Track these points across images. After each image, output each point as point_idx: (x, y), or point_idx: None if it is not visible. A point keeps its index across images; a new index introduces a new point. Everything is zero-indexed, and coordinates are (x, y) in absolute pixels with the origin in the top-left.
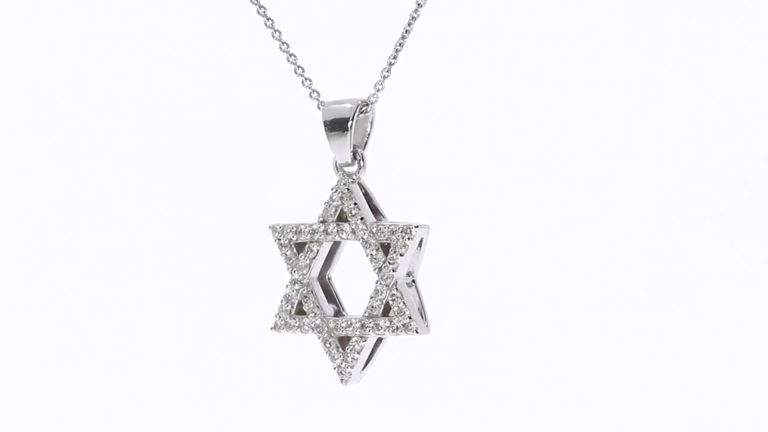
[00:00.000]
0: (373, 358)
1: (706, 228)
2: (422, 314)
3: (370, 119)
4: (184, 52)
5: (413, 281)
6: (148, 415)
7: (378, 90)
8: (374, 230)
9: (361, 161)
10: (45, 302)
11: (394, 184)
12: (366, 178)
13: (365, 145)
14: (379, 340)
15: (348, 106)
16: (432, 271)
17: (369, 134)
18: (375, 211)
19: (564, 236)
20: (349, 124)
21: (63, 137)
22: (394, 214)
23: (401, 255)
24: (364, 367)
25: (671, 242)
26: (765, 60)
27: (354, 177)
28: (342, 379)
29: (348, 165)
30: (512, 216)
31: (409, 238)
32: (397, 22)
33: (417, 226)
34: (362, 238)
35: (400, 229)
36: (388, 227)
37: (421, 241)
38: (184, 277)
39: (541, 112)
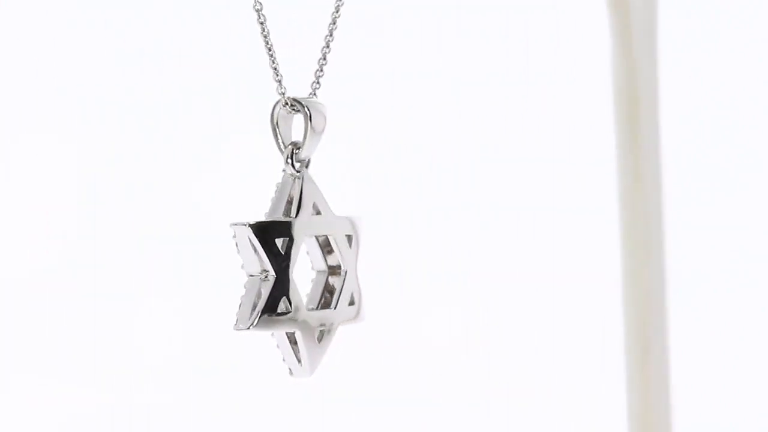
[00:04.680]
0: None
1: (706, 228)
2: (249, 312)
3: (308, 117)
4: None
5: (266, 278)
6: (149, 415)
7: (314, 88)
8: None
9: (289, 158)
10: (42, 301)
11: (394, 184)
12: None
13: (304, 142)
14: (291, 335)
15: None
16: (431, 271)
17: (306, 132)
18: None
19: (565, 236)
20: (272, 122)
21: (58, 136)
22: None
23: (237, 252)
24: (299, 360)
25: (671, 242)
26: (765, 60)
27: (292, 174)
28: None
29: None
30: (513, 216)
31: (233, 237)
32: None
33: (238, 225)
34: None
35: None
36: None
37: (251, 240)
38: (186, 276)
39: (542, 112)
